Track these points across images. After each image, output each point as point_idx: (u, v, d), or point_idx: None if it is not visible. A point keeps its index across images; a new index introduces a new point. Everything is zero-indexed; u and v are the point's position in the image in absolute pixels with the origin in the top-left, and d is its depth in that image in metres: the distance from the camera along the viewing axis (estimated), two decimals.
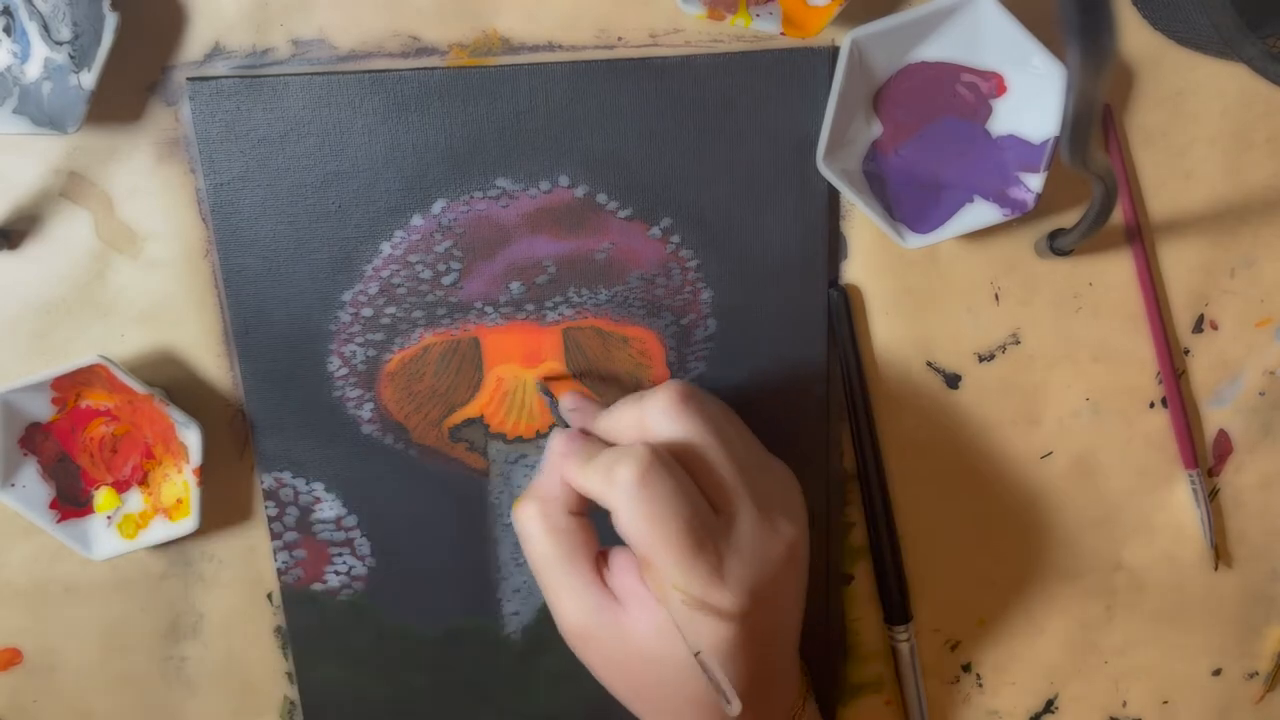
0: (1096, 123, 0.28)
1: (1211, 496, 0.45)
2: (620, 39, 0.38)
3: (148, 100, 0.37)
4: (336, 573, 0.42)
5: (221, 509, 0.42)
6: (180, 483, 0.40)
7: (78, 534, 0.39)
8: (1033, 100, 0.37)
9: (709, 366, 0.41)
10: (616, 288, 0.40)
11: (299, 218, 0.38)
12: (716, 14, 0.36)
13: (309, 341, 0.40)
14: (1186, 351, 0.43)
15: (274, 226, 0.38)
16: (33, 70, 0.35)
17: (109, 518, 0.40)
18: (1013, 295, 0.42)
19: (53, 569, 0.42)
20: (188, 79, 0.37)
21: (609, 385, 0.41)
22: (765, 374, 0.41)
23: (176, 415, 0.38)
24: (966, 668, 0.46)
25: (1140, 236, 0.41)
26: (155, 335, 0.40)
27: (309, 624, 0.43)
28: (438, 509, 0.42)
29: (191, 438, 0.38)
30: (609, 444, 0.34)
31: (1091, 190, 0.35)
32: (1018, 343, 0.42)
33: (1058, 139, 0.37)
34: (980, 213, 0.38)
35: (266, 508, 0.42)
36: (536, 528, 0.34)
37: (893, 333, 0.42)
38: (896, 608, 0.44)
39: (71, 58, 0.35)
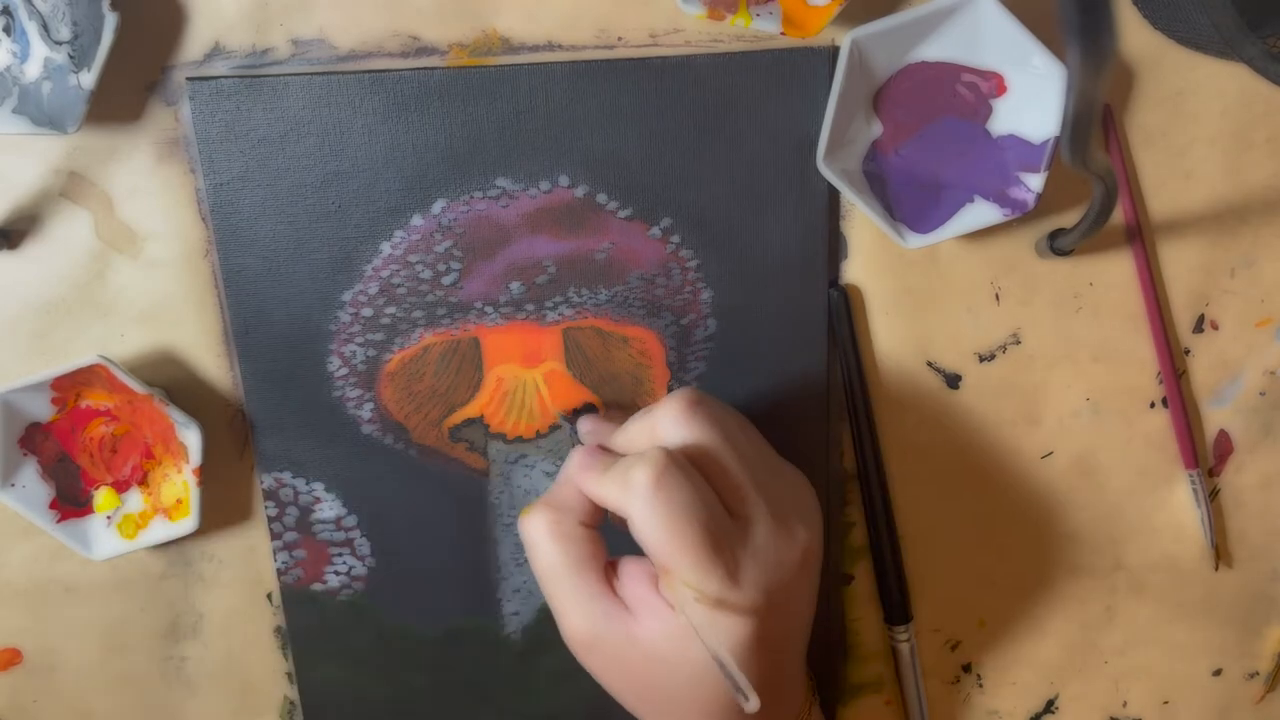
0: (1096, 123, 0.28)
1: (1212, 496, 0.45)
2: (620, 39, 0.38)
3: (148, 100, 0.37)
4: (336, 573, 0.42)
5: (221, 509, 0.42)
6: (180, 483, 0.40)
7: (78, 534, 0.39)
8: (1033, 100, 0.37)
9: (709, 366, 0.41)
10: (616, 288, 0.40)
11: (299, 218, 0.38)
12: (716, 14, 0.36)
13: (309, 341, 0.40)
14: (1187, 351, 0.43)
15: (274, 226, 0.38)
16: (32, 70, 0.35)
17: (109, 518, 0.40)
18: (1013, 295, 0.42)
19: (53, 569, 0.42)
20: (188, 79, 0.37)
21: (610, 385, 0.41)
22: (765, 374, 0.41)
23: (176, 415, 0.38)
24: (967, 668, 0.46)
25: (1140, 236, 0.41)
26: (155, 335, 0.40)
27: (309, 624, 0.43)
28: (438, 509, 0.42)
29: (191, 438, 0.38)
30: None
31: (1091, 190, 0.35)
32: (1018, 343, 0.42)
33: (1058, 139, 0.37)
34: (980, 213, 0.38)
35: (266, 508, 0.42)
36: (545, 536, 0.34)
37: (893, 333, 0.42)
38: (896, 608, 0.44)
39: (71, 58, 0.35)
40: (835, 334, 0.41)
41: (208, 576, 0.42)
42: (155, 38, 0.37)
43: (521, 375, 0.41)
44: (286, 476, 0.41)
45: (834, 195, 0.40)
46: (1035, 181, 0.38)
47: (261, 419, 0.40)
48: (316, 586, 0.42)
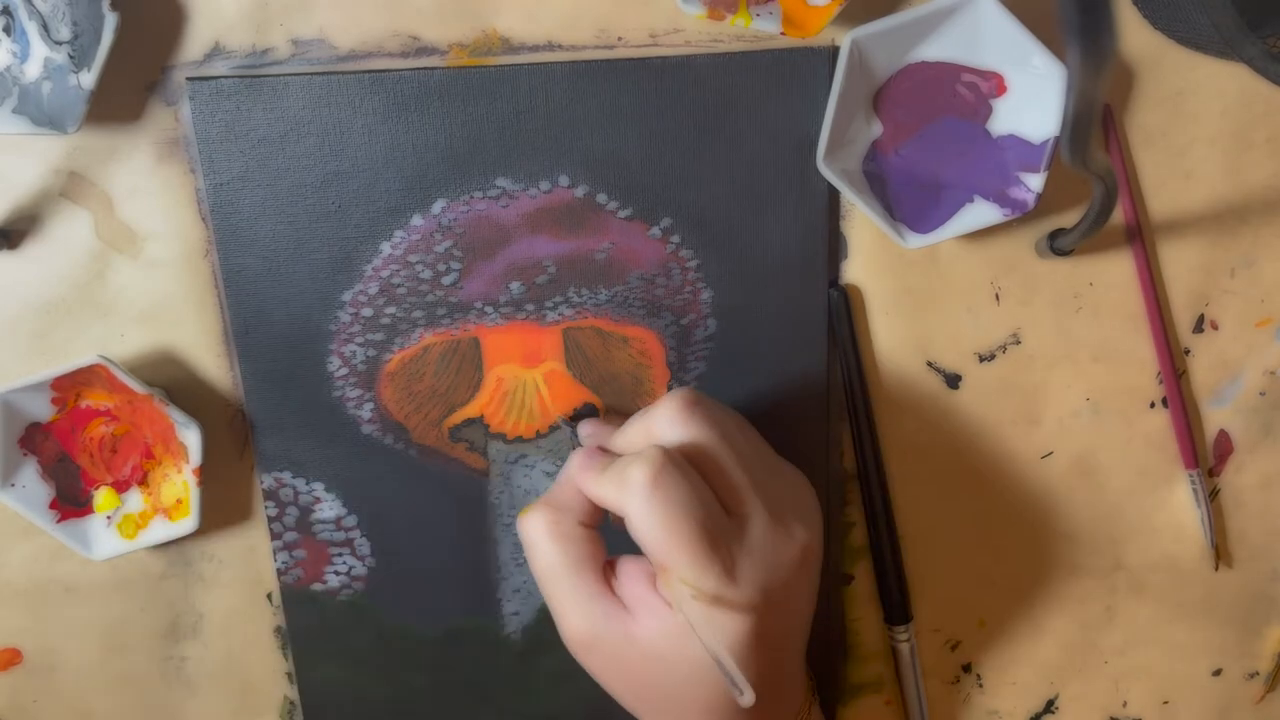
0: (1096, 123, 0.28)
1: (1212, 496, 0.45)
2: (620, 39, 0.38)
3: (148, 100, 0.37)
4: (336, 573, 0.42)
5: (221, 509, 0.42)
6: (180, 483, 0.40)
7: (78, 534, 0.39)
8: (1033, 100, 0.37)
9: (709, 366, 0.41)
10: (616, 288, 0.40)
11: (299, 218, 0.38)
12: (716, 14, 0.36)
13: (309, 341, 0.40)
14: (1187, 351, 0.43)
15: (274, 226, 0.38)
16: (32, 70, 0.35)
17: (109, 518, 0.40)
18: (1013, 295, 0.42)
19: (53, 569, 0.42)
20: (188, 79, 0.37)
21: (610, 385, 0.41)
22: (765, 374, 0.41)
23: (176, 415, 0.38)
24: (967, 668, 0.46)
25: (1140, 236, 0.41)
26: (155, 335, 0.40)
27: (309, 624, 0.43)
28: (438, 509, 0.42)
29: (191, 438, 0.38)
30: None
31: (1091, 190, 0.35)
32: (1018, 343, 0.42)
33: (1058, 139, 0.37)
34: (980, 213, 0.38)
35: (266, 508, 0.42)
36: (544, 535, 0.34)
37: (893, 333, 0.42)
38: (896, 608, 0.44)
39: (71, 57, 0.35)
40: (835, 334, 0.41)
41: (208, 576, 0.42)
42: (155, 38, 0.37)
43: (521, 375, 0.41)
44: (286, 476, 0.41)
45: (834, 195, 0.40)
46: (1035, 181, 0.38)
47: (261, 419, 0.40)
48: (316, 586, 0.42)
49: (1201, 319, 0.43)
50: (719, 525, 0.32)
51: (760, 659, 0.33)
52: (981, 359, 0.42)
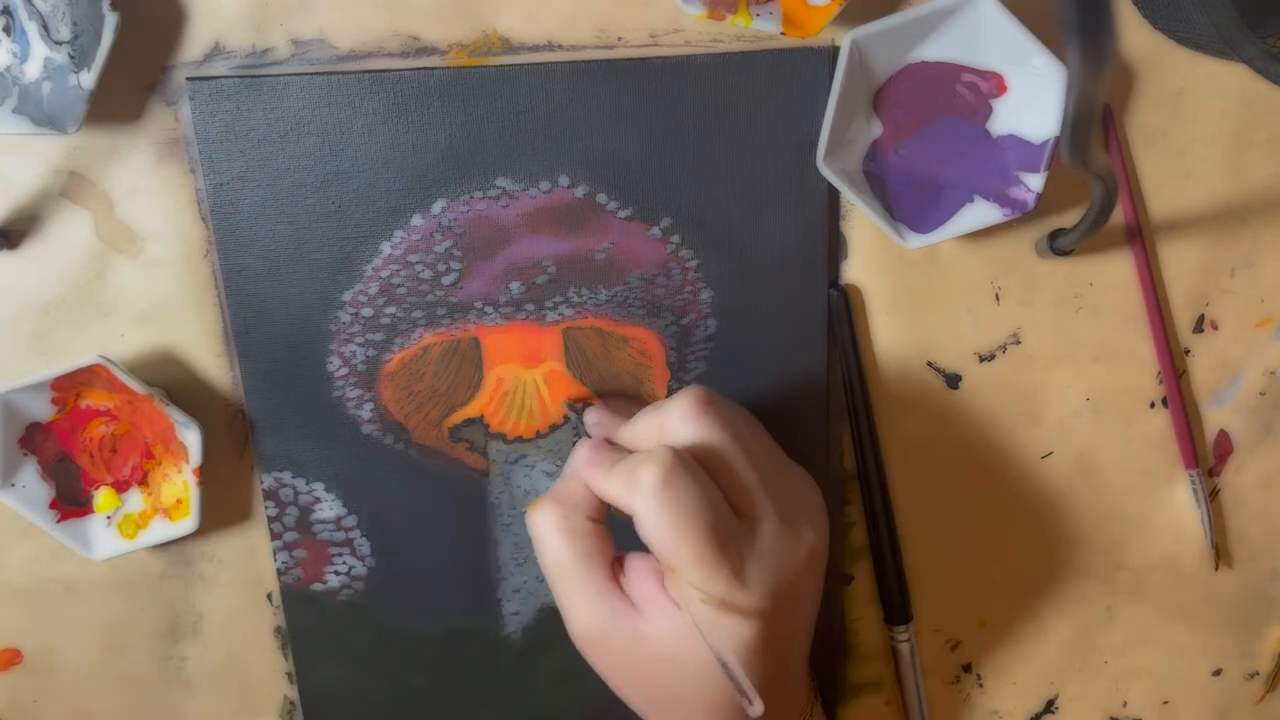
0: (1096, 123, 0.28)
1: (1212, 496, 0.45)
2: (620, 39, 0.38)
3: (148, 100, 0.37)
4: (336, 573, 0.42)
5: (221, 509, 0.42)
6: (180, 483, 0.40)
7: (78, 534, 0.39)
8: (1033, 100, 0.37)
9: (709, 366, 0.41)
10: (616, 288, 0.40)
11: (299, 218, 0.38)
12: (716, 14, 0.36)
13: (309, 341, 0.40)
14: (1187, 351, 0.43)
15: (274, 226, 0.38)
16: (32, 70, 0.35)
17: (109, 518, 0.40)
18: (1013, 295, 0.42)
19: (53, 569, 0.42)
20: (188, 79, 0.37)
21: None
22: (765, 374, 0.41)
23: (176, 415, 0.38)
24: (967, 668, 0.46)
25: (1140, 236, 0.41)
26: (155, 335, 0.40)
27: (309, 624, 0.43)
28: (438, 509, 0.42)
29: (191, 438, 0.38)
30: (632, 453, 0.34)
31: (1091, 190, 0.35)
32: (1018, 343, 0.42)
33: (1058, 139, 0.37)
34: (980, 213, 0.38)
35: (266, 508, 0.42)
36: (553, 530, 0.34)
37: (893, 333, 0.42)
38: (896, 608, 0.44)
39: (71, 57, 0.35)
40: (835, 334, 0.41)
41: (208, 576, 0.42)
42: (155, 38, 0.37)
43: (521, 375, 0.41)
44: (286, 476, 0.41)
45: (834, 195, 0.40)
46: (1035, 181, 0.38)
47: (261, 419, 0.40)
48: (316, 586, 0.42)
49: (1201, 319, 0.43)
50: (728, 528, 0.32)
51: (766, 661, 0.33)
52: (981, 359, 0.42)
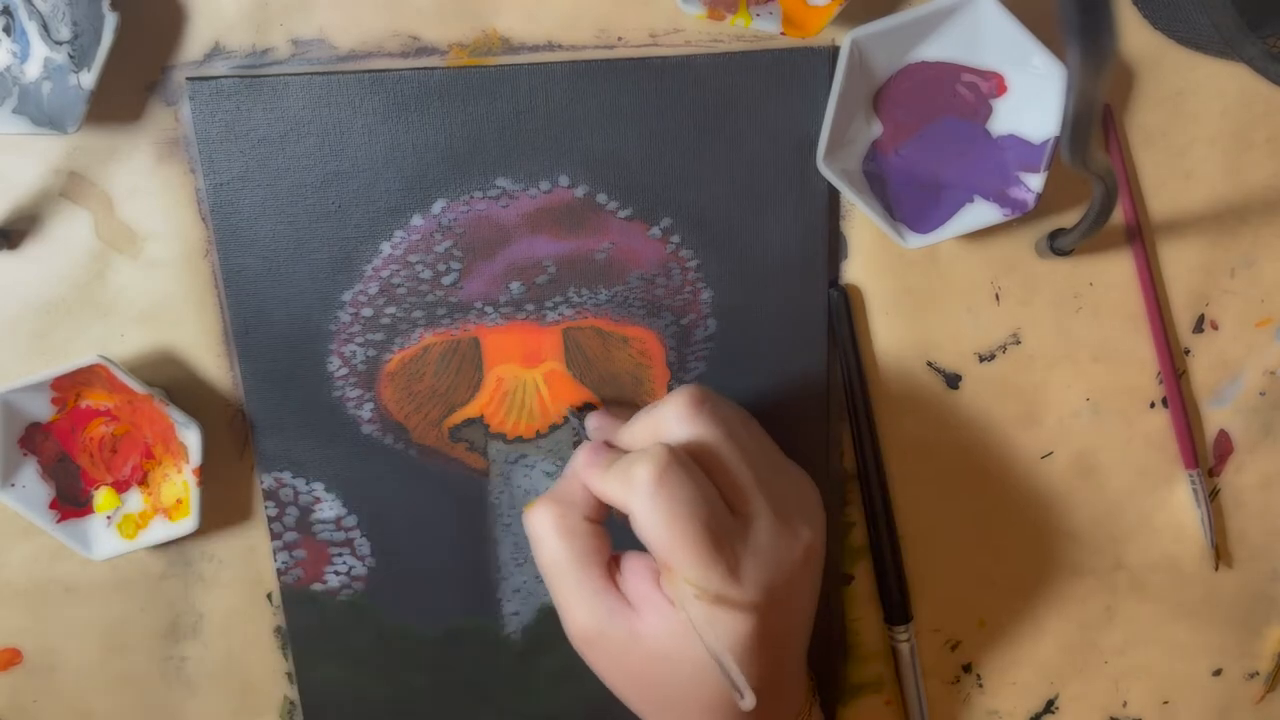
0: (1096, 123, 0.28)
1: (1212, 496, 0.45)
2: (620, 39, 0.38)
3: (148, 100, 0.37)
4: (336, 573, 0.42)
5: (221, 509, 0.42)
6: (180, 483, 0.40)
7: (78, 534, 0.39)
8: (1033, 100, 0.37)
9: (709, 366, 0.41)
10: (616, 288, 0.40)
11: (299, 218, 0.38)
12: (716, 14, 0.36)
13: (309, 341, 0.40)
14: (1187, 351, 0.43)
15: (274, 226, 0.38)
16: (32, 70, 0.35)
17: (109, 518, 0.40)
18: (1013, 295, 0.42)
19: (53, 569, 0.42)
20: (188, 79, 0.37)
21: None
22: (765, 374, 0.41)
23: (176, 415, 0.38)
24: (967, 668, 0.46)
25: (1140, 236, 0.41)
26: (155, 335, 0.40)
27: (309, 624, 0.43)
28: (438, 509, 0.42)
29: (191, 438, 0.38)
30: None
31: (1091, 190, 0.35)
32: (1018, 343, 0.42)
33: (1058, 139, 0.37)
34: (980, 213, 0.38)
35: (266, 508, 0.42)
36: (550, 530, 0.34)
37: (893, 333, 0.42)
38: (896, 608, 0.44)
39: (71, 57, 0.35)
40: (835, 334, 0.41)
41: (208, 576, 0.42)
42: (155, 38, 0.37)
43: (521, 375, 0.41)
44: (286, 476, 0.41)
45: (834, 195, 0.40)
46: (1035, 181, 0.38)
47: (261, 419, 0.40)
48: (316, 586, 0.42)
49: (1201, 319, 0.43)
50: (723, 525, 0.32)
51: (762, 659, 0.33)
52: (981, 359, 0.42)
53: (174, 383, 0.40)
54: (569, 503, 0.34)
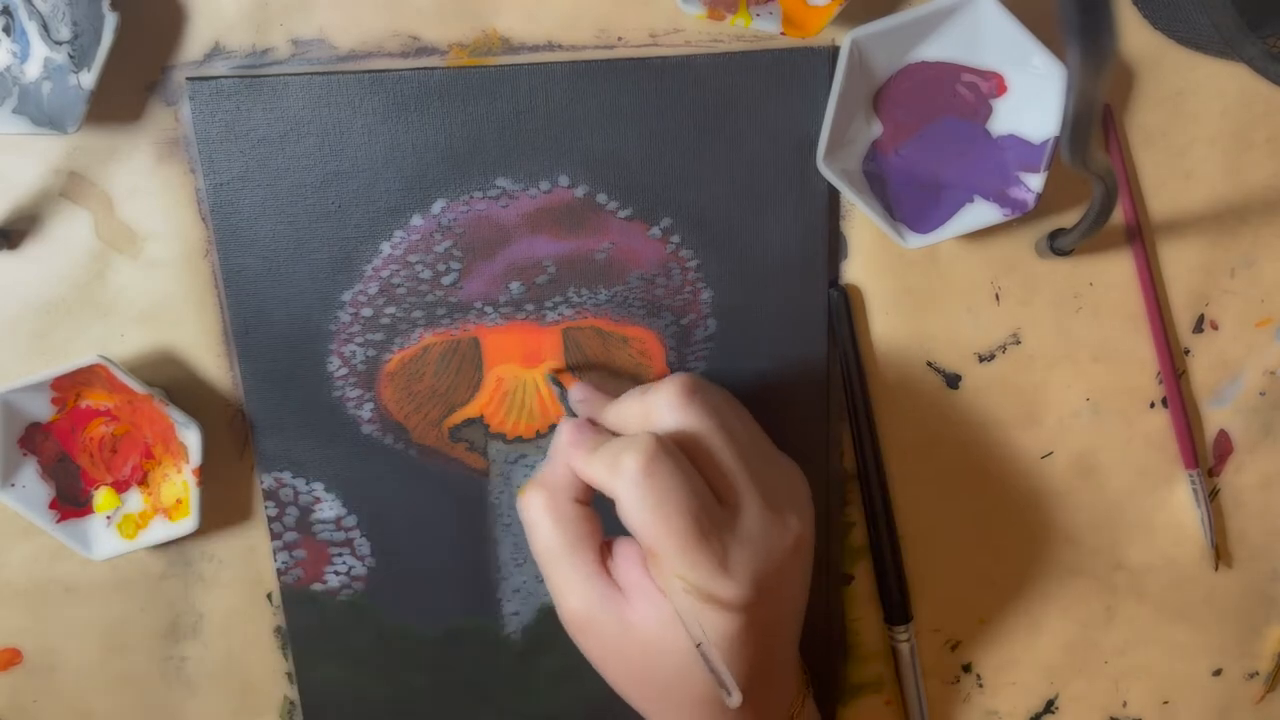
0: (1096, 123, 0.28)
1: (1212, 496, 0.45)
2: (620, 39, 0.38)
3: (148, 100, 0.37)
4: (336, 573, 0.42)
5: (221, 509, 0.42)
6: (180, 483, 0.40)
7: (78, 534, 0.39)
8: (1033, 100, 0.37)
9: (709, 366, 0.41)
10: (616, 288, 0.40)
11: (299, 218, 0.38)
12: (716, 14, 0.36)
13: (309, 341, 0.40)
14: (1187, 351, 0.43)
15: (274, 226, 0.38)
16: (32, 70, 0.35)
17: (109, 518, 0.40)
18: (1013, 295, 0.42)
19: (53, 569, 0.42)
20: (188, 79, 0.37)
21: (610, 383, 0.41)
22: (765, 374, 0.41)
23: (176, 415, 0.38)
24: (967, 668, 0.46)
25: (1140, 236, 0.41)
26: (155, 335, 0.40)
27: (309, 624, 0.43)
28: (438, 509, 0.42)
29: (191, 438, 0.38)
30: (616, 435, 0.35)
31: (1091, 190, 0.35)
32: (1018, 343, 0.42)
33: (1058, 139, 0.37)
34: (980, 213, 0.38)
35: (266, 508, 0.42)
36: (542, 515, 0.34)
37: (893, 333, 0.42)
38: (896, 608, 0.44)
39: (71, 57, 0.35)
40: (835, 334, 0.41)
41: (208, 576, 0.42)
42: (155, 38, 0.37)
43: (521, 375, 0.41)
44: (286, 476, 0.41)
45: (834, 195, 0.40)
46: (1035, 181, 0.38)
47: (261, 419, 0.40)
48: (316, 586, 0.42)
49: (1201, 319, 0.43)
50: (711, 515, 0.32)
51: (752, 650, 0.33)
52: (981, 359, 0.42)
53: (174, 383, 0.40)
54: (557, 486, 0.34)
